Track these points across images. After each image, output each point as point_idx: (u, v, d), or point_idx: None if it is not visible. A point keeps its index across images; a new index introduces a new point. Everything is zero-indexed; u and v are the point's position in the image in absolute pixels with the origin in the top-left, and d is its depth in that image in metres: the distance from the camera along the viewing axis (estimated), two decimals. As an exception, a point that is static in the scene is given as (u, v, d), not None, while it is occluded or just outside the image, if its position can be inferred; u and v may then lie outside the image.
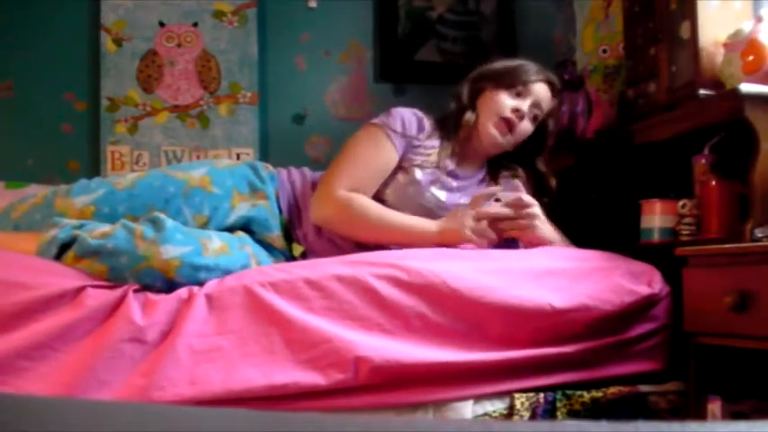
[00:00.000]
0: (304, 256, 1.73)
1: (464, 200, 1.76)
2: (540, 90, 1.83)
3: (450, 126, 1.83)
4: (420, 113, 1.81)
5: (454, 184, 1.81)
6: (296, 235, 1.74)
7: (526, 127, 1.83)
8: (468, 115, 1.81)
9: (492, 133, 1.79)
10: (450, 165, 1.81)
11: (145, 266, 1.41)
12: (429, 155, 1.79)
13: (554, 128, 1.91)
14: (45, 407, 0.42)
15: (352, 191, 1.68)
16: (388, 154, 1.74)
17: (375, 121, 1.78)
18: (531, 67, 1.84)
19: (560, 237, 1.75)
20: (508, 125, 1.79)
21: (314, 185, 1.77)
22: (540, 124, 1.87)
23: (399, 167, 1.77)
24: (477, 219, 1.64)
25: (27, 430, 0.38)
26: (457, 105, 1.86)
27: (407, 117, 1.78)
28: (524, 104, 1.80)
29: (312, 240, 1.73)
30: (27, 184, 2.23)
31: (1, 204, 1.70)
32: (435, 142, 1.81)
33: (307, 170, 1.84)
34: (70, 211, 1.56)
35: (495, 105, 1.80)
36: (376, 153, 1.73)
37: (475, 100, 1.85)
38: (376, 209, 1.68)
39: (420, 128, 1.79)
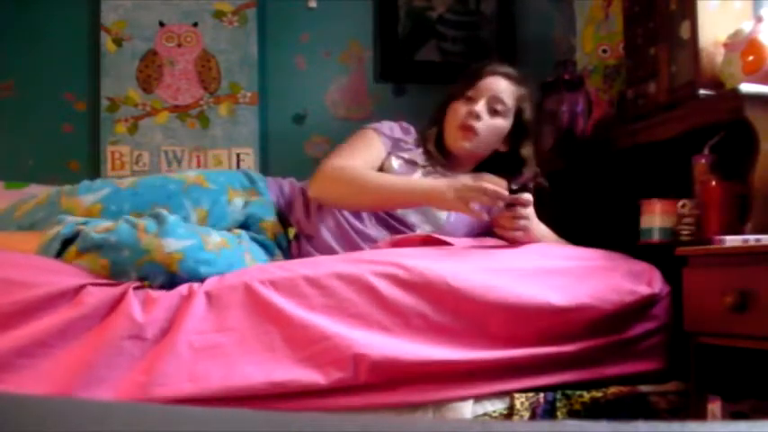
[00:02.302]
0: (297, 238, 1.80)
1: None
2: (494, 83, 1.86)
3: (425, 144, 1.90)
4: (407, 125, 1.94)
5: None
6: (288, 221, 1.82)
7: (492, 123, 1.85)
8: (431, 130, 1.91)
9: (459, 144, 1.85)
10: (440, 171, 1.86)
11: (147, 260, 1.42)
12: (414, 154, 1.87)
13: (531, 114, 1.91)
14: (45, 407, 0.42)
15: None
16: (378, 148, 1.84)
17: (366, 126, 1.91)
18: (480, 66, 1.90)
19: (554, 236, 1.76)
20: (469, 130, 1.83)
21: (302, 191, 1.86)
22: (516, 113, 1.88)
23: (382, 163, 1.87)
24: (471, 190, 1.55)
25: (27, 430, 0.38)
26: (429, 124, 1.96)
27: (395, 124, 1.92)
28: (477, 105, 1.83)
29: (304, 225, 1.79)
30: (27, 184, 2.23)
31: (1, 205, 1.71)
32: (420, 149, 1.89)
33: (294, 180, 1.93)
34: (77, 210, 1.58)
35: (452, 117, 1.88)
36: (366, 147, 1.84)
37: (442, 119, 1.92)
38: (366, 171, 1.75)
39: (406, 132, 1.92)
